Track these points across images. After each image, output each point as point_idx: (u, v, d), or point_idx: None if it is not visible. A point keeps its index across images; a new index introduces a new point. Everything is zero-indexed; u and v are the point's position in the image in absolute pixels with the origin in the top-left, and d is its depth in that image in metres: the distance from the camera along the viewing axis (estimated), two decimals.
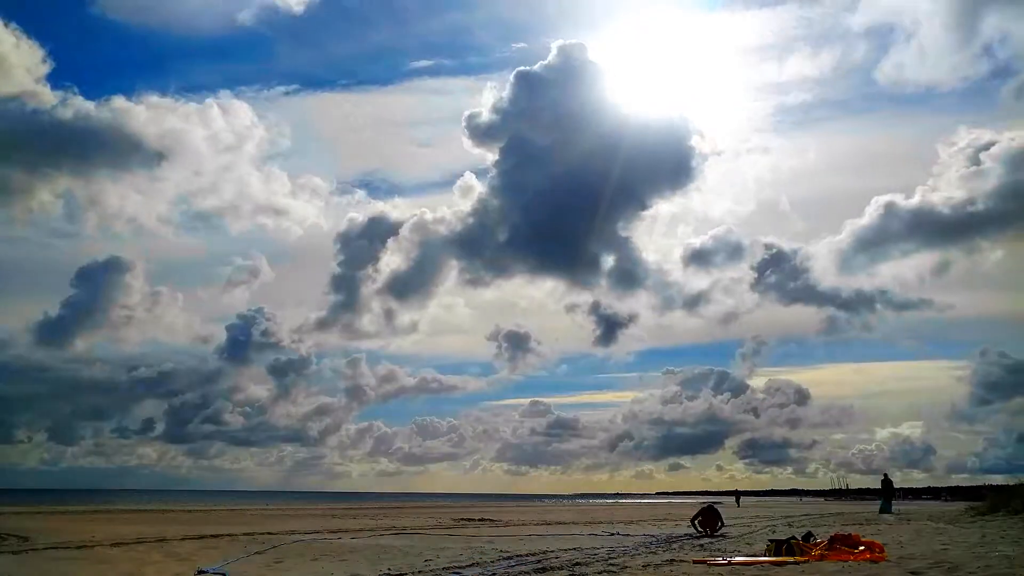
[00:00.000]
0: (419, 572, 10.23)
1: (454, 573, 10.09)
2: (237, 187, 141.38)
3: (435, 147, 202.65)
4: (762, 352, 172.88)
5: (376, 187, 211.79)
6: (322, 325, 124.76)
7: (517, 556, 12.24)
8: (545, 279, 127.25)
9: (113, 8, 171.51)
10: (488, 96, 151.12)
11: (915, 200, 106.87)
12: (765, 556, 11.26)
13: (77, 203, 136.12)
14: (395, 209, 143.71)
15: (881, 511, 30.77)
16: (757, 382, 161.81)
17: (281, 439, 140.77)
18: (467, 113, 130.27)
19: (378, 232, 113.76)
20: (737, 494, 63.54)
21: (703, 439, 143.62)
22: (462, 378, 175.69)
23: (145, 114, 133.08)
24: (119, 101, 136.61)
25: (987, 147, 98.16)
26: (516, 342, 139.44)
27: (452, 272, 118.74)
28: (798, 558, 10.79)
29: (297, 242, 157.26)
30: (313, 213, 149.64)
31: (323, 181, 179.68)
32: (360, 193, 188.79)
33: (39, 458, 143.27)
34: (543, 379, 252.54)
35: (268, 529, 20.18)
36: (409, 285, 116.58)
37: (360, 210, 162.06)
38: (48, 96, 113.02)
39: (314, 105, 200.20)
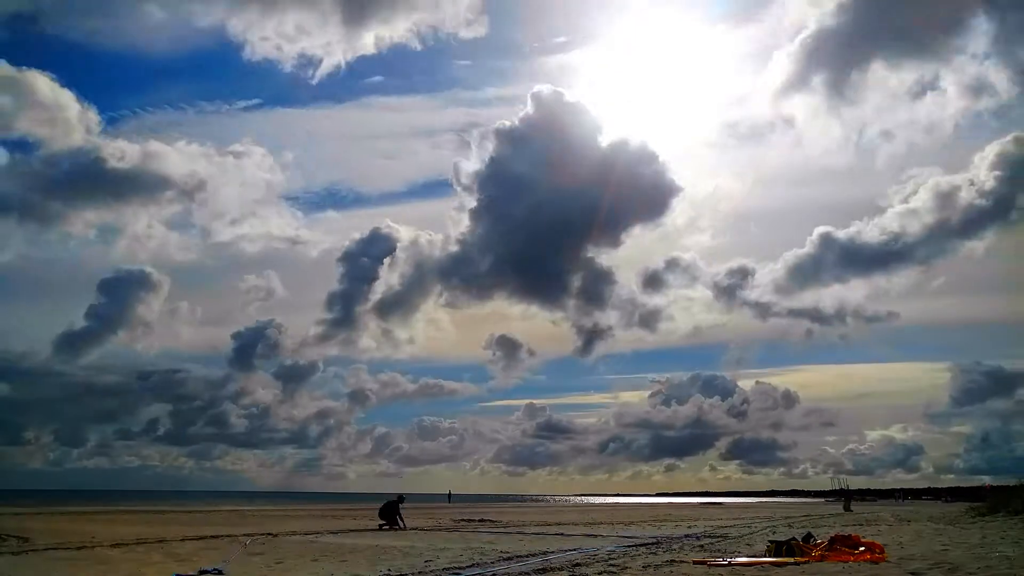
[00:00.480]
0: (419, 573, 10.23)
1: (454, 574, 10.09)
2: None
3: (397, 159, 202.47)
4: (745, 357, 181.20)
5: (343, 196, 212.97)
6: (325, 337, 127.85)
7: (517, 557, 12.24)
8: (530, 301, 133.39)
9: (73, 32, 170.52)
10: (474, 149, 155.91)
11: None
12: (765, 557, 11.25)
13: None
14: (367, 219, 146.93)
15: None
16: (744, 384, 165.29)
17: (283, 441, 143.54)
18: (455, 162, 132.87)
19: (374, 252, 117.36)
20: (847, 495, 58.69)
21: (694, 441, 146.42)
22: (461, 384, 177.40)
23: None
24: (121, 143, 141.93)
25: None
26: (509, 349, 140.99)
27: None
28: (798, 559, 10.78)
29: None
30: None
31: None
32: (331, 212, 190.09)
33: (52, 459, 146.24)
34: (536, 383, 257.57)
35: (268, 530, 20.17)
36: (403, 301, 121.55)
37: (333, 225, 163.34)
38: None
39: (276, 120, 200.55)
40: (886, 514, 34.00)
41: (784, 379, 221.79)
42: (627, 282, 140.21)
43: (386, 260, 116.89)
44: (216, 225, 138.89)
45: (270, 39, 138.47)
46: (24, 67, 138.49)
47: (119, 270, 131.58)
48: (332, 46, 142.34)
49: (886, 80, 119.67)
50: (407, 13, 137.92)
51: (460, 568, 10.69)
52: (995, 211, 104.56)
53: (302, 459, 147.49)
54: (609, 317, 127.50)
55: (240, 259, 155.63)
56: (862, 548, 11.30)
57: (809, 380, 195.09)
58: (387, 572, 10.29)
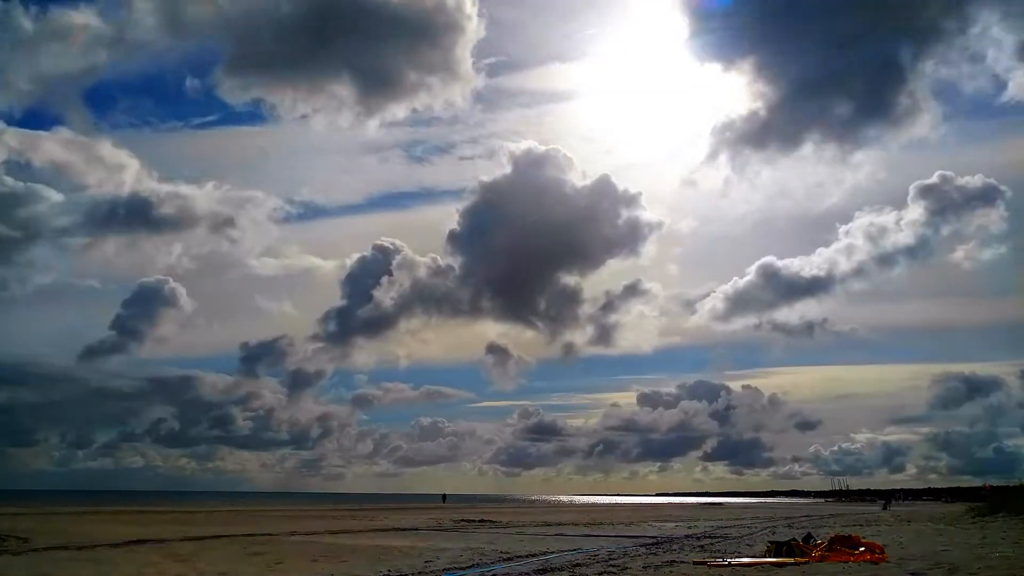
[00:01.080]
0: (419, 573, 10.22)
1: (454, 574, 10.09)
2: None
3: (354, 173, 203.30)
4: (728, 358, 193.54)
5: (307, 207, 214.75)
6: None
7: (517, 557, 12.24)
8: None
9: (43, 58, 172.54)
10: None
11: None
12: (765, 557, 11.26)
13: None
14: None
15: None
16: (733, 386, 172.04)
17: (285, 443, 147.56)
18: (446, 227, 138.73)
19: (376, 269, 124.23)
20: (888, 497, 58.96)
21: (683, 443, 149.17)
22: (456, 389, 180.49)
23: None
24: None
25: None
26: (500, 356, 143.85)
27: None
28: (798, 559, 10.78)
29: None
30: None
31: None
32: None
33: (68, 460, 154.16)
34: (528, 387, 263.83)
35: (268, 530, 20.17)
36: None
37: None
38: None
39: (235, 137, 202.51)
40: (886, 514, 34.02)
41: (763, 381, 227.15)
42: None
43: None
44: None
45: None
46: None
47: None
48: None
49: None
50: None
51: (460, 568, 10.69)
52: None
53: (302, 460, 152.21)
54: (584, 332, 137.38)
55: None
56: (862, 548, 11.30)
57: (786, 382, 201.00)
58: (387, 572, 10.28)
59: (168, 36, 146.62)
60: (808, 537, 12.74)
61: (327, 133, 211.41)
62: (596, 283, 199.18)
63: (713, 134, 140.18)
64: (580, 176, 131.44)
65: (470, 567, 10.86)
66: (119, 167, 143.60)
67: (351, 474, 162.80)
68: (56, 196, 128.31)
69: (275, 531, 19.75)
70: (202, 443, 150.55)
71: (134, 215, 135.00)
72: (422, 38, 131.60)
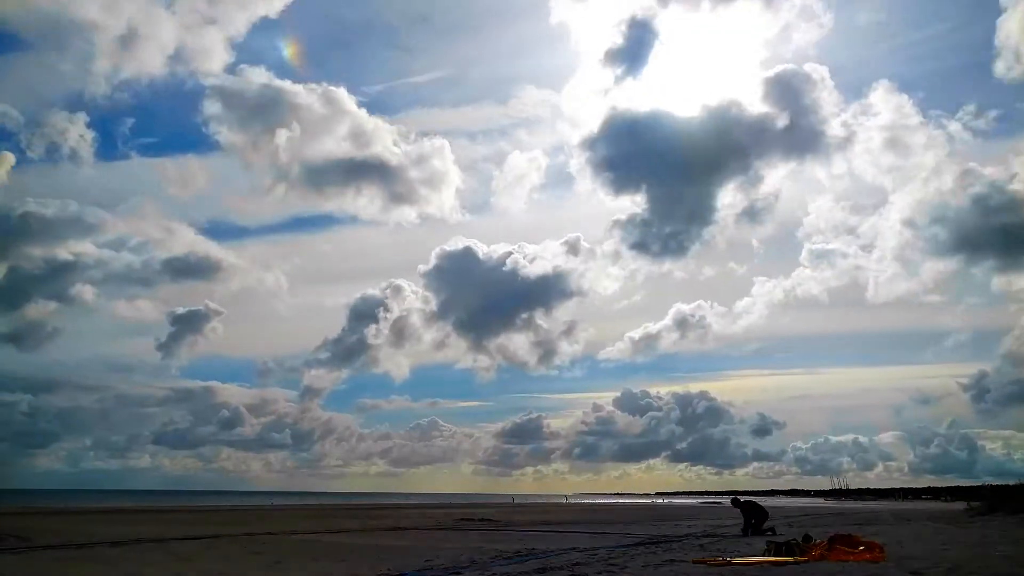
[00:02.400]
0: (419, 572, 10.22)
1: (454, 573, 10.09)
2: None
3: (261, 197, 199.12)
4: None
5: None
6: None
7: (517, 556, 12.23)
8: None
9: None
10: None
11: None
12: (765, 556, 11.25)
13: None
14: None
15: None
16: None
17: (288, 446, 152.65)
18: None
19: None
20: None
21: (652, 446, 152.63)
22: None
23: None
24: None
25: None
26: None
27: None
28: (798, 558, 10.78)
29: None
30: None
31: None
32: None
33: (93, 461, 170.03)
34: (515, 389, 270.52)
35: (268, 529, 20.18)
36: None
37: None
38: None
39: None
40: (886, 513, 34.01)
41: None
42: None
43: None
44: None
45: None
46: None
47: None
48: None
49: None
50: None
51: (460, 568, 10.68)
52: None
53: (303, 461, 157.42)
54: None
55: None
56: (861, 547, 11.29)
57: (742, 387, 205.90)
58: (387, 571, 10.29)
59: None
60: (807, 537, 12.72)
61: None
62: None
63: None
64: None
65: (469, 566, 10.86)
66: None
67: (350, 474, 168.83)
68: None
69: (275, 530, 19.77)
70: (207, 444, 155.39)
71: None
72: None
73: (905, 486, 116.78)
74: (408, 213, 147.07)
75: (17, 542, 15.01)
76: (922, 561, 10.14)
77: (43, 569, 11.09)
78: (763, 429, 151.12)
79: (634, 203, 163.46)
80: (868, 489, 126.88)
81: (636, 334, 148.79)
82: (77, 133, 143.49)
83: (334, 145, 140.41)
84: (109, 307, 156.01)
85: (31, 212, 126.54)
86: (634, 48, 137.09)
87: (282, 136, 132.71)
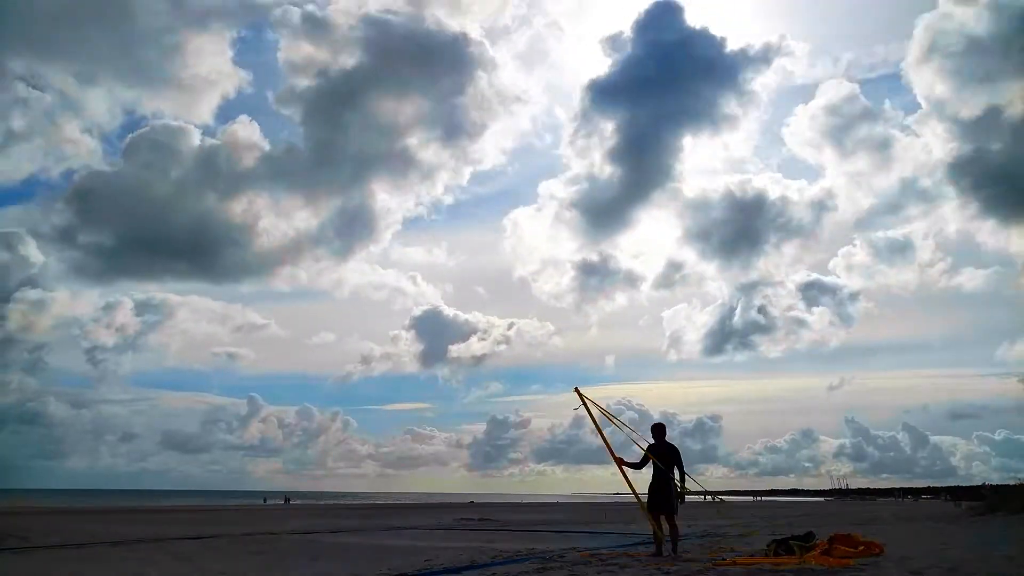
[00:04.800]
0: (419, 571, 10.23)
1: (454, 573, 10.09)
2: None
3: None
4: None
5: None
6: None
7: (517, 555, 12.23)
8: None
9: None
10: None
11: None
12: (766, 556, 11.25)
13: None
14: None
15: None
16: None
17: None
18: None
19: None
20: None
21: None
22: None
23: None
24: None
25: None
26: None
27: None
28: (799, 557, 10.77)
29: None
30: None
31: None
32: None
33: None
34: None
35: (268, 529, 20.18)
36: None
37: None
38: None
39: None
40: (886, 514, 33.99)
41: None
42: None
43: None
44: None
45: None
46: None
47: None
48: None
49: None
50: None
51: (460, 567, 10.68)
52: None
53: (303, 461, 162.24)
54: None
55: None
56: (861, 547, 11.28)
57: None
58: (387, 571, 10.29)
59: None
60: (809, 535, 12.71)
61: None
62: None
63: None
64: None
65: (469, 566, 10.85)
66: None
67: (350, 474, 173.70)
68: None
69: (276, 529, 19.76)
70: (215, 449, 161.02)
71: None
72: None
73: (905, 486, 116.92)
74: None
75: (17, 542, 15.01)
76: (922, 561, 10.13)
77: (43, 569, 11.09)
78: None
79: None
80: (868, 489, 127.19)
81: None
82: None
83: None
84: None
85: None
86: None
87: None
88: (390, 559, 11.74)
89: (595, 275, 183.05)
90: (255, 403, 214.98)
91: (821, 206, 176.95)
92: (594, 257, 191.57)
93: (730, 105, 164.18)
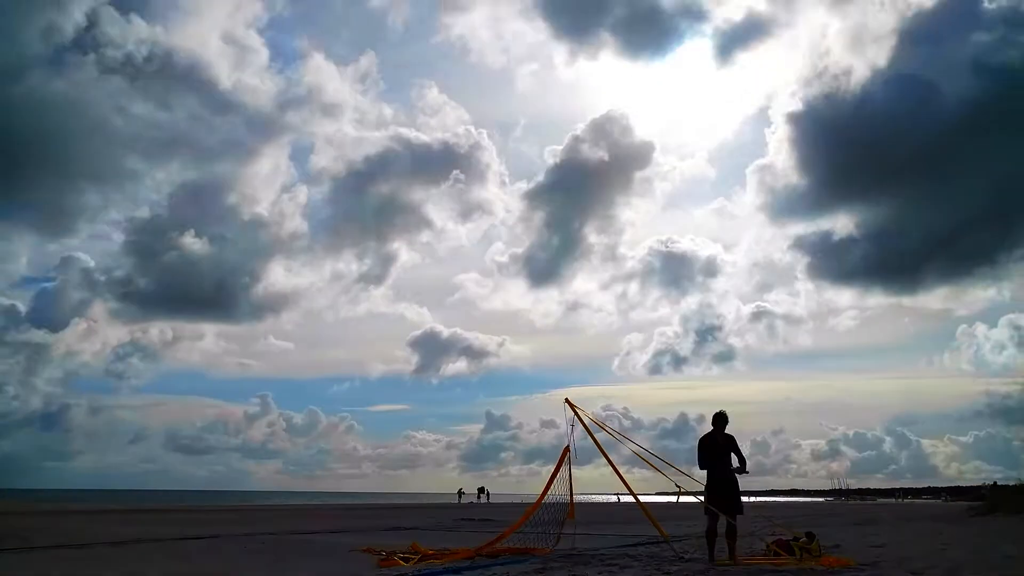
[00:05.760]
0: (419, 572, 10.22)
1: (454, 572, 10.09)
2: None
3: None
4: None
5: None
6: None
7: (517, 556, 12.21)
8: None
9: None
10: None
11: None
12: (766, 556, 11.25)
13: None
14: None
15: None
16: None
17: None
18: None
19: None
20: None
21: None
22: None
23: None
24: None
25: None
26: None
27: None
28: (799, 558, 10.77)
29: None
30: None
31: None
32: None
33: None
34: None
35: (268, 529, 20.17)
36: None
37: None
38: None
39: None
40: (886, 514, 33.99)
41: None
42: None
43: None
44: None
45: None
46: None
47: None
48: None
49: None
50: None
51: (460, 567, 10.67)
52: None
53: (303, 462, 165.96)
54: None
55: None
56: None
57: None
58: (387, 571, 10.29)
59: None
60: (810, 535, 12.71)
61: None
62: None
63: None
64: None
65: (470, 566, 10.85)
66: None
67: (348, 474, 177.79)
68: None
69: (275, 530, 19.76)
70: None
71: None
72: None
73: (905, 486, 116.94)
74: None
75: (17, 542, 15.00)
76: (922, 561, 10.12)
77: (43, 569, 11.07)
78: None
79: None
80: (868, 489, 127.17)
81: None
82: None
83: None
84: None
85: None
86: None
87: None
88: None
89: None
90: (266, 402, 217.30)
91: None
92: None
93: None
